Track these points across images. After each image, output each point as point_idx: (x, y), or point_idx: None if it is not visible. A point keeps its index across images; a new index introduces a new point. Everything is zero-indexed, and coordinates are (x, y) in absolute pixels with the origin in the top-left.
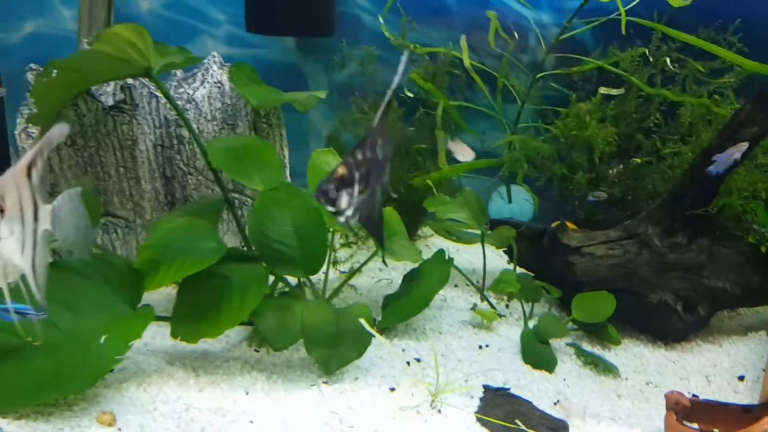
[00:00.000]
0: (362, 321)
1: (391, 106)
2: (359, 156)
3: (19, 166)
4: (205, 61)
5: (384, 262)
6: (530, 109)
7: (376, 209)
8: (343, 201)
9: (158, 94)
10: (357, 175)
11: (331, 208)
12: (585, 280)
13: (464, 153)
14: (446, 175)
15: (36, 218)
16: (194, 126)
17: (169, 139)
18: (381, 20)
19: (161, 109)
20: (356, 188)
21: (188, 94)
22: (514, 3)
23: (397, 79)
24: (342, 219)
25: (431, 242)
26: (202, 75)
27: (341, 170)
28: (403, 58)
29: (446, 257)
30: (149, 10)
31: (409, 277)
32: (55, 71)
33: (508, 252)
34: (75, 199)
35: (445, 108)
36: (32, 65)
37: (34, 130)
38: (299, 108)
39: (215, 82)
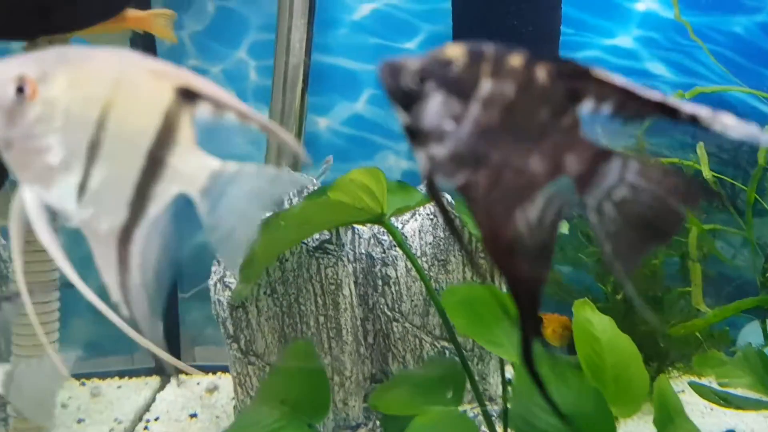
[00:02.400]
0: None
1: None
2: (521, 67)
3: None
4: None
5: None
6: None
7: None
8: (432, 108)
9: (356, 226)
10: (490, 89)
11: (400, 110)
12: None
13: None
14: (712, 321)
15: None
16: (402, 264)
17: (371, 278)
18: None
19: (359, 243)
20: (475, 111)
21: (397, 228)
22: (751, 99)
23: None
24: (421, 155)
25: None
26: None
27: (453, 51)
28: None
29: None
30: (327, 127)
31: None
32: (282, 224)
33: None
34: None
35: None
36: None
37: (231, 280)
38: None
39: (428, 214)
